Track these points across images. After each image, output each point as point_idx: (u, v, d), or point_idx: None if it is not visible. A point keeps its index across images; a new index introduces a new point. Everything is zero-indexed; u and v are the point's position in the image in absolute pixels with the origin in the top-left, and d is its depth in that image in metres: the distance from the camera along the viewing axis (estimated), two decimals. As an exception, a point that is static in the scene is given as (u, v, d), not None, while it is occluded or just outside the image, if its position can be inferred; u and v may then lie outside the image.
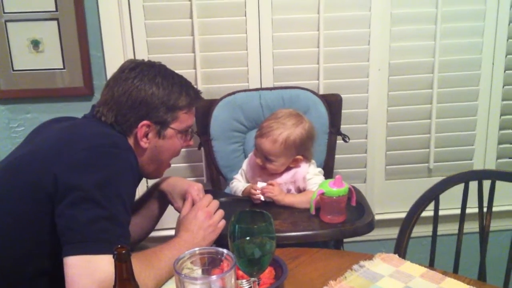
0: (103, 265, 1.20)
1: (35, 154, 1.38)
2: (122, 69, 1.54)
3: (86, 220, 1.23)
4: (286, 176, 1.92)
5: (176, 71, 2.24)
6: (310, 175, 1.91)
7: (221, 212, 1.56)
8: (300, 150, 1.89)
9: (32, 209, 1.31)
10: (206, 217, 1.50)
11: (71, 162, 1.29)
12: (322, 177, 1.94)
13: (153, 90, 1.49)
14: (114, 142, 1.38)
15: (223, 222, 1.54)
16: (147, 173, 1.61)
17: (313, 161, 1.98)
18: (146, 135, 1.51)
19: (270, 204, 1.84)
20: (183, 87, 1.56)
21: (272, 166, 1.89)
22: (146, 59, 2.15)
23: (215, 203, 1.57)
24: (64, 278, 1.21)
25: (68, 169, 1.28)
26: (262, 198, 1.82)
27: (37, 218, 1.31)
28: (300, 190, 1.92)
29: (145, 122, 1.49)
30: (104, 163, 1.31)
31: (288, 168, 1.92)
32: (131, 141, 1.50)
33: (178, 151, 1.62)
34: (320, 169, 1.99)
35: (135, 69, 1.53)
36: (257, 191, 1.83)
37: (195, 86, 1.63)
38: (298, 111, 1.97)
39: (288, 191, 1.91)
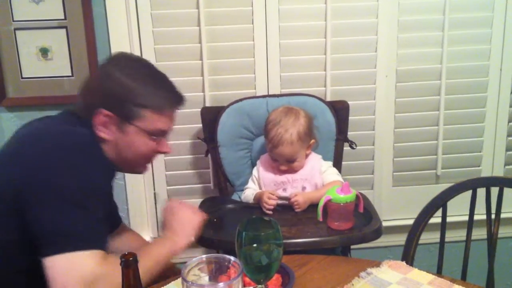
0: (82, 261, 1.21)
1: (1, 157, 1.39)
2: (107, 57, 1.54)
3: (58, 219, 1.24)
4: (302, 171, 1.98)
5: (184, 78, 2.26)
6: (324, 167, 2.00)
7: (200, 212, 1.59)
8: (311, 135, 1.98)
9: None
10: (187, 214, 1.53)
11: (34, 164, 1.29)
12: (335, 169, 2.04)
13: (121, 80, 1.43)
14: (75, 140, 1.37)
15: (201, 219, 1.56)
16: (120, 167, 1.56)
17: (319, 155, 2.04)
18: (106, 126, 1.45)
19: (277, 211, 1.85)
20: (159, 87, 1.49)
21: (296, 163, 1.96)
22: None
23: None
24: (42, 276, 1.23)
25: (31, 170, 1.29)
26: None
27: (4, 219, 1.32)
28: (315, 185, 1.96)
29: (103, 110, 1.42)
30: (70, 162, 1.30)
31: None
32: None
33: (146, 153, 1.51)
34: (330, 162, 2.08)
35: (116, 59, 1.52)
36: (273, 201, 1.87)
37: (179, 92, 1.55)
38: (286, 106, 2.04)
39: (303, 189, 1.95)
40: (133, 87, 1.43)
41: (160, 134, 1.51)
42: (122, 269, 1.00)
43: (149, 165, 1.61)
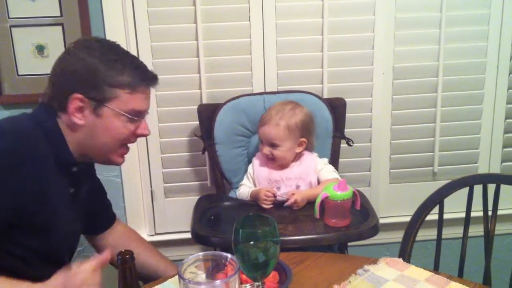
0: None
1: None
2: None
3: None
4: (296, 169, 1.96)
5: (181, 76, 2.25)
6: (320, 165, 1.98)
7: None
8: (303, 132, 1.95)
9: None
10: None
11: None
12: (332, 166, 2.01)
13: (90, 61, 1.37)
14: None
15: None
16: (93, 157, 1.49)
17: (315, 153, 2.03)
18: (81, 111, 1.39)
19: (274, 208, 1.85)
20: (128, 65, 1.41)
21: (279, 152, 1.93)
22: (150, 64, 2.17)
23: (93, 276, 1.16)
24: None
25: None
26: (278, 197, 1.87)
27: None
28: (309, 183, 1.95)
29: (76, 95, 1.36)
30: None
31: (296, 159, 1.98)
32: (65, 118, 1.40)
33: (122, 135, 1.44)
34: (326, 159, 2.05)
35: (82, 43, 1.45)
36: (271, 197, 1.87)
37: (151, 70, 1.49)
38: (292, 100, 2.04)
39: (297, 187, 1.94)
40: (101, 68, 1.37)
41: (136, 115, 1.44)
42: (119, 266, 1.00)
43: (125, 154, 1.51)
